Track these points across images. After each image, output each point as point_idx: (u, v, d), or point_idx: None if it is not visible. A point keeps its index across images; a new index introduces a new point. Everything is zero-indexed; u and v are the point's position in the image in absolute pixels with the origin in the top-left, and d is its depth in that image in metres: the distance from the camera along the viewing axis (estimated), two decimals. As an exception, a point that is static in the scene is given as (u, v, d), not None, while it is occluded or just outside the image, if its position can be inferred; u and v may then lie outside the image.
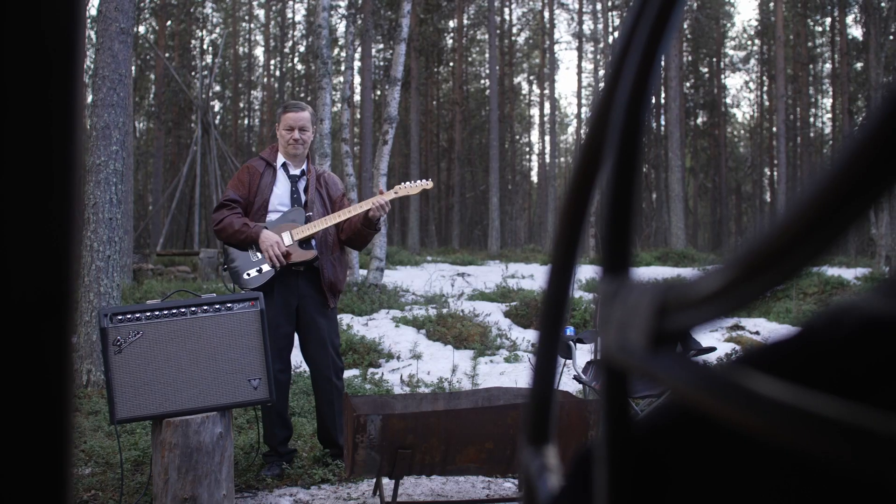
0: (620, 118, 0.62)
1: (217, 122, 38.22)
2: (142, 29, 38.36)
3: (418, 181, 5.21)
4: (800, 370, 0.56)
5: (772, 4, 39.04)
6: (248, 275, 4.86)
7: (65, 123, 0.33)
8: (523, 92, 51.38)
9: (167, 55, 36.67)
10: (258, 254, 4.84)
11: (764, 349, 0.59)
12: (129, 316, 3.85)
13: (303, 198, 5.03)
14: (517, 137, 50.65)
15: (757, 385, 0.43)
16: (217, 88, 43.73)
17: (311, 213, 4.95)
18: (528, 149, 52.86)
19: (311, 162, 5.20)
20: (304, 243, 4.88)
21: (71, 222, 0.33)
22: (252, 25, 50.31)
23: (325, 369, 4.96)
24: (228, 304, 4.02)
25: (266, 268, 4.83)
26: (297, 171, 5.07)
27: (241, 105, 49.42)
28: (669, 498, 0.59)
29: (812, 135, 44.88)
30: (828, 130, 41.92)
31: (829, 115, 43.34)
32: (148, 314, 3.88)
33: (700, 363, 0.49)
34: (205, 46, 45.50)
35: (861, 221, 0.38)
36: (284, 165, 5.06)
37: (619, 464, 0.55)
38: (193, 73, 32.41)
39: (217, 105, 45.42)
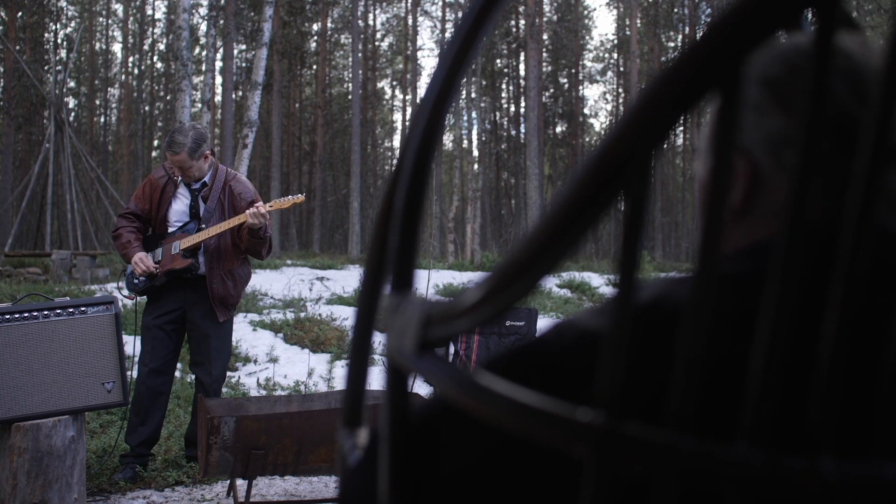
0: (409, 169, 0.77)
1: (72, 119, 36.93)
2: (-10, 19, 36.67)
3: (289, 196, 5.20)
4: (528, 372, 0.73)
5: (627, 20, 40.37)
6: (139, 280, 4.96)
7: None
8: (386, 97, 51.41)
9: (18, 48, 35.21)
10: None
11: (506, 354, 0.76)
12: (-23, 320, 3.81)
13: (202, 209, 5.02)
14: (379, 142, 50.69)
15: (490, 384, 0.58)
16: (72, 85, 42.21)
17: (204, 226, 4.95)
18: (390, 154, 52.92)
19: (218, 168, 5.14)
20: (190, 253, 4.91)
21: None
22: (110, 21, 48.78)
23: (206, 375, 4.97)
24: (83, 308, 4.01)
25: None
26: (197, 185, 5.03)
27: (98, 102, 47.75)
28: (440, 465, 0.76)
29: (665, 146, 46.24)
30: (679, 142, 43.48)
31: (681, 128, 44.83)
32: (-2, 318, 3.84)
33: (453, 366, 0.64)
34: (59, 41, 43.85)
35: (581, 242, 0.53)
36: None
37: (397, 441, 0.70)
38: (47, 68, 31.26)
39: (72, 102, 43.77)
